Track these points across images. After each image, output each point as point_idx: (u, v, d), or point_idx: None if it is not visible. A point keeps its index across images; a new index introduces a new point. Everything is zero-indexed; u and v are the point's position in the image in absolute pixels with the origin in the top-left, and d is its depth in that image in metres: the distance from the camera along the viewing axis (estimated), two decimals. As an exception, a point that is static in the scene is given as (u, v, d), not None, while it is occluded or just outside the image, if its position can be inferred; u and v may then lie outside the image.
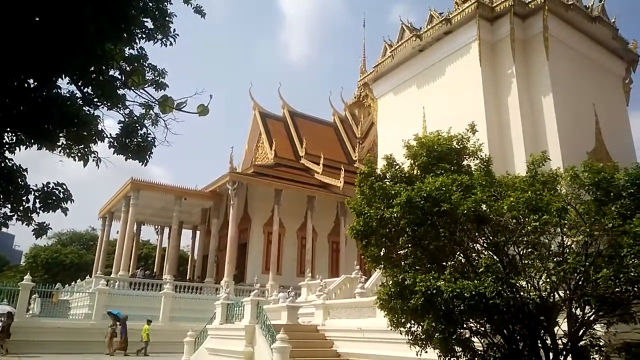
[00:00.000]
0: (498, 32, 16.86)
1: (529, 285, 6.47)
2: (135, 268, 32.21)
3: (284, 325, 13.20)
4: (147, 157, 4.31)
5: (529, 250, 6.64)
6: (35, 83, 3.39)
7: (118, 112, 4.21)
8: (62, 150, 4.05)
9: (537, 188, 6.67)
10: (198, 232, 35.41)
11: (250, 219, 31.01)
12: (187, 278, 33.10)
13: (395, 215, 6.75)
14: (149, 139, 4.23)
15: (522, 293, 6.30)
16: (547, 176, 7.08)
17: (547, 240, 6.56)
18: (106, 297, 21.46)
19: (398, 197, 6.76)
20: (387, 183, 7.66)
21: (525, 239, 6.55)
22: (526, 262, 6.58)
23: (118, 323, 19.31)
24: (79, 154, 3.97)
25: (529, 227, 6.21)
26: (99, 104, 4.02)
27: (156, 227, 37.46)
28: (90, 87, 3.94)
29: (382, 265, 7.51)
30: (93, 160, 4.01)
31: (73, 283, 29.90)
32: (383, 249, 7.38)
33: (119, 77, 4.18)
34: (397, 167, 8.01)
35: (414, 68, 19.27)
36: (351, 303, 14.22)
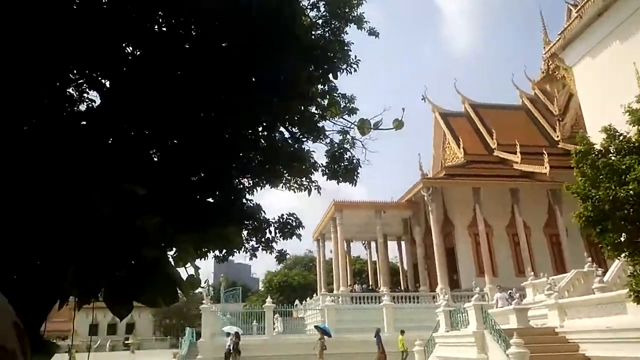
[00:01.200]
0: None
1: None
2: (353, 283, 34.38)
3: (515, 329, 12.37)
4: (355, 177, 4.64)
5: None
6: (264, 132, 4.02)
7: (320, 143, 4.67)
8: (282, 185, 4.67)
9: None
10: (403, 243, 36.06)
11: (452, 223, 30.19)
12: (402, 288, 33.81)
13: (632, 193, 5.78)
14: (354, 161, 4.57)
15: None
16: None
17: None
18: (334, 312, 23.32)
19: (632, 172, 5.78)
20: (613, 158, 6.63)
21: None
22: None
23: (325, 336, 20.57)
24: (301, 186, 4.51)
25: None
26: (303, 139, 4.53)
27: (363, 242, 39.50)
28: (295, 126, 4.47)
29: (627, 253, 6.45)
30: (314, 188, 4.51)
31: (303, 301, 33.41)
32: (623, 233, 6.35)
33: (317, 111, 4.63)
34: (621, 137, 6.86)
35: (611, 21, 16.42)
36: (592, 300, 12.50)
